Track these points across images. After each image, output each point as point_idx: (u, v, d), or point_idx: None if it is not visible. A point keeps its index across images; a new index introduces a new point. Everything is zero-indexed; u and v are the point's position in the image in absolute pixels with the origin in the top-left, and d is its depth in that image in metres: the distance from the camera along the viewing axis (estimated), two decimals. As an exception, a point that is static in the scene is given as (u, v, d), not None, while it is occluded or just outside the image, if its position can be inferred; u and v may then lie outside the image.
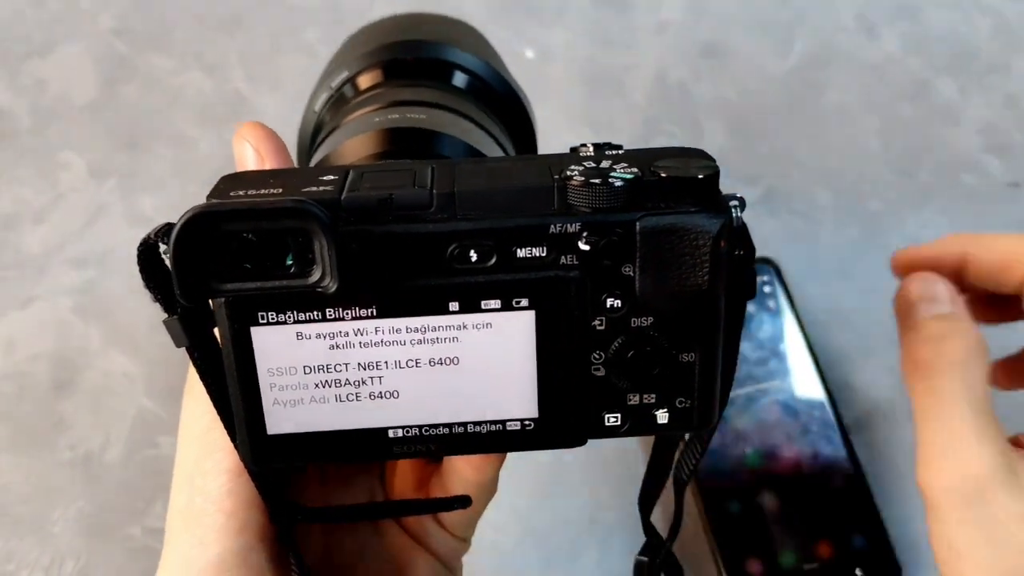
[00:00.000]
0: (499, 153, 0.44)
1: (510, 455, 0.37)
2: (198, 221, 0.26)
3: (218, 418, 0.31)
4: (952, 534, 0.39)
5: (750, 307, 0.63)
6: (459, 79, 0.50)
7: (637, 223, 0.28)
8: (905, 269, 0.47)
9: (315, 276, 0.27)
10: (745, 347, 0.62)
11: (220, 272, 0.27)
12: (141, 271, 0.28)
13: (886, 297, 0.46)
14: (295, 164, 0.37)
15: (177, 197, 0.74)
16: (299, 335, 0.29)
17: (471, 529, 0.41)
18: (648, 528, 0.39)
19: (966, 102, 0.79)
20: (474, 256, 0.28)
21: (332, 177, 0.29)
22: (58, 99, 0.79)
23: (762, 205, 0.73)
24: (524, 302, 0.29)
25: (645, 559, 0.39)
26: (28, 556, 0.59)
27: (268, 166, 0.35)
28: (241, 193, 0.28)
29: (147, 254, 0.28)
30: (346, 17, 0.85)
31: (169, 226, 0.28)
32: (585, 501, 0.60)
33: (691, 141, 0.77)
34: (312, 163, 0.44)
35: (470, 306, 0.29)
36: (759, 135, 0.78)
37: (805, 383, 0.62)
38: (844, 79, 0.81)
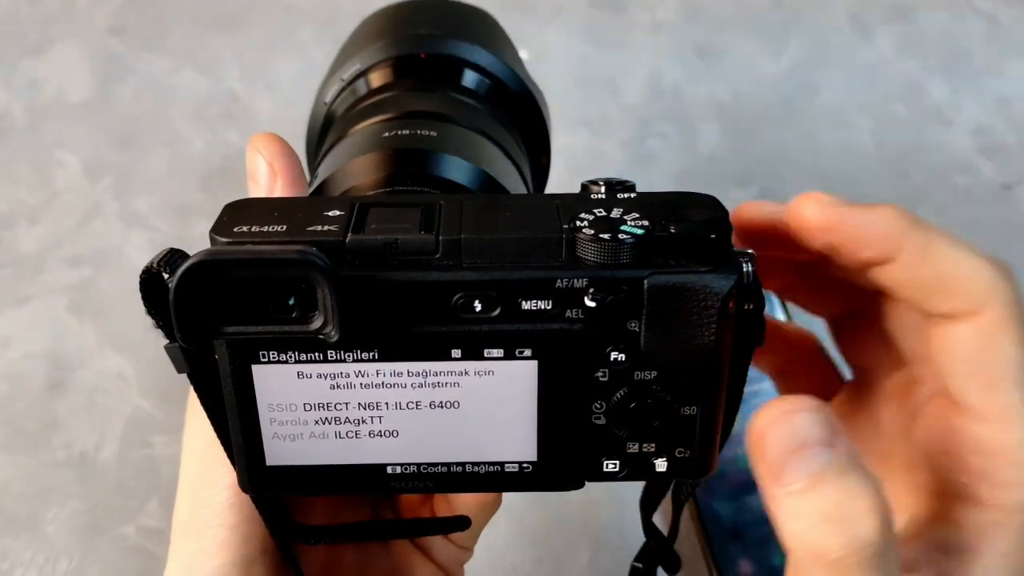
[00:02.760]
0: (511, 170, 0.43)
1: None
2: (200, 268, 0.26)
3: None
4: None
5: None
6: (474, 78, 0.48)
7: (645, 281, 0.28)
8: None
9: (317, 323, 0.27)
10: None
11: (221, 314, 0.27)
12: (143, 299, 0.28)
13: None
14: (306, 173, 0.36)
15: (172, 196, 0.74)
16: (300, 374, 0.29)
17: (474, 540, 0.41)
18: (649, 529, 0.38)
19: (959, 104, 0.80)
20: (478, 306, 0.28)
21: (337, 213, 0.28)
22: (53, 98, 0.79)
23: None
24: (527, 352, 0.29)
25: (640, 565, 0.39)
26: (22, 555, 0.59)
27: (280, 182, 0.35)
28: (245, 229, 0.28)
29: (149, 283, 0.28)
30: (340, 18, 0.85)
31: (172, 254, 0.28)
32: (578, 501, 0.60)
33: (685, 142, 0.77)
34: (319, 168, 0.43)
35: (473, 354, 0.29)
36: (752, 136, 0.78)
37: (797, 384, 0.62)
38: (838, 80, 0.81)
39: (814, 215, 0.31)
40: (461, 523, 0.38)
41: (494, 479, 0.31)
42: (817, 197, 0.32)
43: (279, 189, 0.34)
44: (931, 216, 0.78)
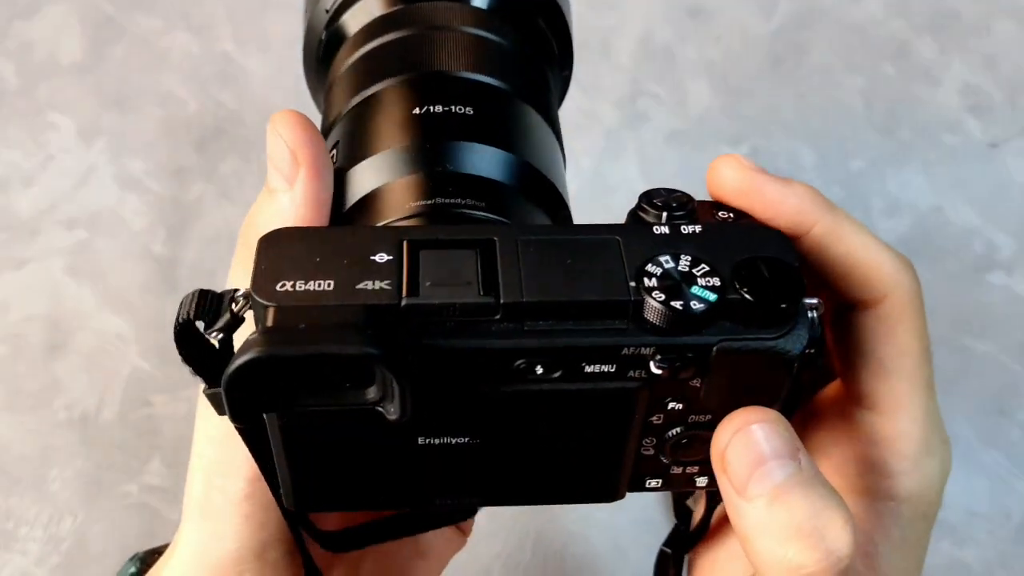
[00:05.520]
0: (550, 146, 0.40)
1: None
2: (255, 365, 0.24)
3: None
4: None
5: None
6: None
7: (714, 348, 0.27)
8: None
9: (373, 395, 0.26)
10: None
11: (273, 395, 0.26)
12: (179, 349, 0.27)
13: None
14: (320, 130, 0.34)
15: (166, 158, 0.74)
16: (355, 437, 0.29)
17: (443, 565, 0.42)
18: (680, 511, 0.38)
19: (947, 63, 0.80)
20: (540, 369, 0.27)
21: (385, 258, 0.26)
22: (45, 60, 0.79)
23: (746, 165, 0.74)
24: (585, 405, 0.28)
25: (669, 550, 0.39)
26: (27, 514, 0.60)
27: (303, 172, 0.32)
28: (288, 287, 0.26)
29: (184, 332, 0.27)
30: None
31: (202, 299, 0.27)
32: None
33: (676, 102, 0.78)
34: (334, 129, 0.39)
35: (530, 410, 0.28)
36: (743, 96, 0.78)
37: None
38: (827, 39, 0.81)
39: (732, 178, 0.31)
40: (467, 511, 0.39)
41: (533, 496, 0.32)
42: (737, 160, 0.32)
43: (302, 178, 0.32)
44: (919, 175, 0.79)
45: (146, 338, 0.66)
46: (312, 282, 0.26)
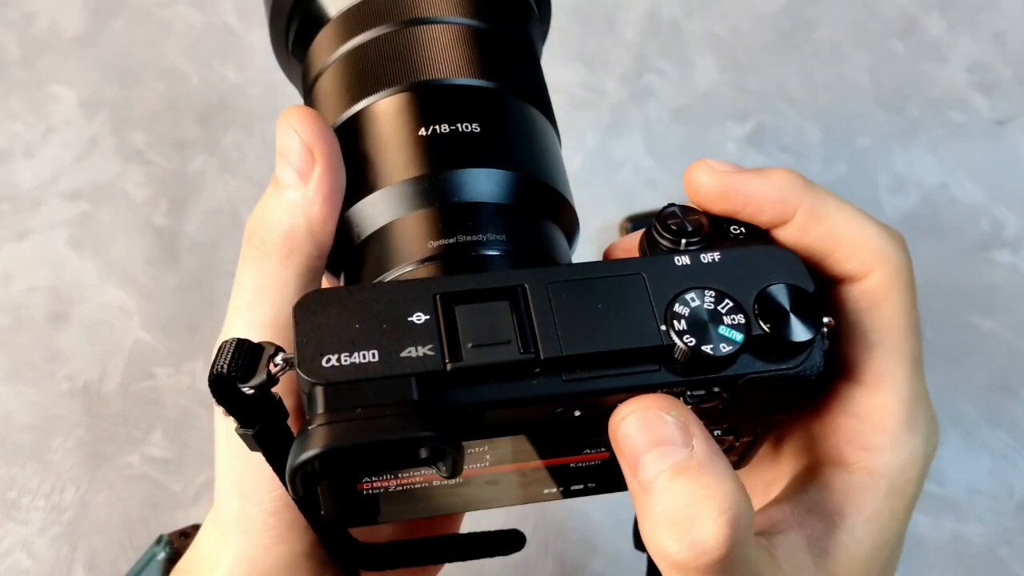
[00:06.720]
0: (553, 147, 0.38)
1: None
2: (315, 461, 0.25)
3: None
4: None
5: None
6: None
7: (739, 382, 0.28)
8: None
9: (426, 454, 0.26)
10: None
11: (335, 477, 0.27)
12: (216, 398, 0.28)
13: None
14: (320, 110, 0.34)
15: (169, 131, 0.74)
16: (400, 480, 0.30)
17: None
18: None
19: (955, 39, 0.80)
20: (578, 412, 0.28)
21: (423, 318, 0.27)
22: (47, 31, 0.78)
23: (751, 141, 0.73)
24: None
25: None
26: (29, 483, 0.60)
27: (318, 168, 0.32)
28: (335, 362, 0.26)
29: (220, 386, 0.27)
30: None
31: (240, 349, 0.27)
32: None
33: (682, 78, 0.77)
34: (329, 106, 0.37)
35: (568, 441, 0.30)
36: (750, 72, 0.78)
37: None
38: (835, 15, 0.81)
39: (709, 184, 0.31)
40: (518, 541, 0.38)
41: (560, 495, 0.34)
42: (710, 165, 0.32)
43: (317, 174, 0.32)
44: (926, 152, 0.79)
45: (148, 310, 0.66)
46: (356, 354, 0.26)
